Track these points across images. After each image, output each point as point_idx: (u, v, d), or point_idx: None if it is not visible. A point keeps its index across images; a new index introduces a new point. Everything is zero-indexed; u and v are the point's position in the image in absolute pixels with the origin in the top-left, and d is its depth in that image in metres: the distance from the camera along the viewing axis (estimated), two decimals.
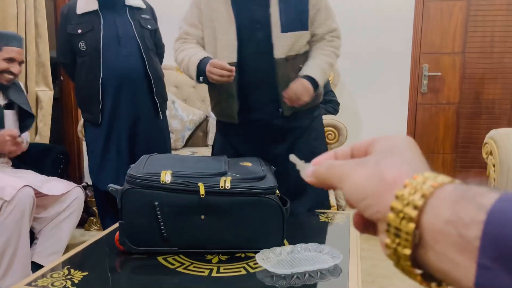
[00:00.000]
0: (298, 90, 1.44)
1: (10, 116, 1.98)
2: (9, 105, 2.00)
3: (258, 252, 1.11)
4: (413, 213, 0.27)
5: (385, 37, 2.97)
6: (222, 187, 1.14)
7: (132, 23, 2.06)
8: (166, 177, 1.15)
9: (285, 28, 1.46)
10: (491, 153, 1.94)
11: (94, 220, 2.71)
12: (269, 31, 1.46)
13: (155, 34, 2.18)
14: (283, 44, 1.46)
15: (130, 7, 2.08)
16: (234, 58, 1.47)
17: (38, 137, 2.82)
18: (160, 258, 1.14)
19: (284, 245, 1.18)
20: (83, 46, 2.01)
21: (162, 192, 1.14)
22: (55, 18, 3.32)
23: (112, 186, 1.16)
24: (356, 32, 2.94)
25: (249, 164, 1.31)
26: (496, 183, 1.87)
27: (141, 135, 2.09)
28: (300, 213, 1.51)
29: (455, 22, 2.97)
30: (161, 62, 2.26)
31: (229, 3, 1.48)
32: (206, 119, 3.06)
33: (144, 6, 2.13)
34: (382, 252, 0.30)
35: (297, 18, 1.48)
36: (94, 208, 2.69)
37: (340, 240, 1.26)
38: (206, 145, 3.00)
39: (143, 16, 2.11)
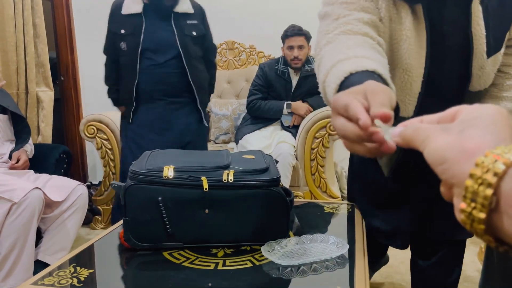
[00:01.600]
0: None
1: (3, 121, 1.99)
2: (1, 111, 2.01)
3: (264, 244, 1.11)
4: (493, 180, 0.29)
5: None
6: (225, 180, 1.14)
7: (175, 30, 2.02)
8: (169, 171, 1.14)
9: (494, 50, 1.04)
10: None
11: (100, 218, 2.71)
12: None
13: (203, 39, 2.14)
14: (489, 70, 1.07)
15: (177, 13, 2.04)
16: (418, 89, 1.03)
17: (40, 138, 2.83)
18: (165, 254, 1.14)
19: (289, 236, 1.17)
20: (124, 47, 2.03)
21: (165, 187, 1.14)
22: (52, 18, 3.31)
23: (115, 183, 1.16)
24: None
25: (251, 156, 1.30)
26: None
27: (185, 142, 2.07)
28: (305, 204, 1.50)
29: None
30: (211, 66, 2.22)
31: (421, 21, 1.00)
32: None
33: (191, 11, 2.08)
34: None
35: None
36: (99, 207, 2.69)
37: (345, 231, 1.25)
38: (209, 140, 3.00)
39: (189, 22, 2.07)
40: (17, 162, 1.90)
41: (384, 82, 0.70)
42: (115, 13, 2.05)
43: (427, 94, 1.04)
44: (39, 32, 2.80)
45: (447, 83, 1.08)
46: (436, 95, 1.05)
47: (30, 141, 2.10)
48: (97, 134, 2.58)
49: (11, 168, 1.89)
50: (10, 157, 1.93)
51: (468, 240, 2.31)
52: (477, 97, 1.12)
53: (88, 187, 2.17)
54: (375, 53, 0.83)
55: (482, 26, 1.00)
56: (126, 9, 2.02)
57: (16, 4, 2.62)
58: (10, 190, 1.59)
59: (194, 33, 2.08)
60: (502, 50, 1.05)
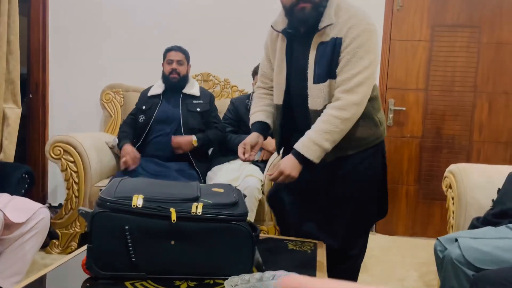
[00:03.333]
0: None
1: None
2: None
3: (227, 278, 1.12)
4: None
5: None
6: (193, 212, 1.16)
7: (181, 107, 2.57)
8: (138, 200, 1.15)
9: (316, 79, 1.45)
10: (450, 186, 2.04)
11: (57, 243, 2.62)
12: (305, 81, 1.49)
13: (208, 115, 2.64)
14: (317, 95, 1.45)
15: (185, 94, 2.61)
16: (281, 101, 1.58)
17: (2, 155, 2.73)
18: (127, 283, 1.13)
19: (253, 272, 1.19)
20: (141, 119, 2.60)
21: (133, 216, 1.14)
22: (27, 34, 3.28)
23: (82, 209, 1.15)
24: None
25: (221, 190, 1.33)
26: (454, 215, 1.96)
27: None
28: (269, 240, 1.53)
29: (418, 61, 3.15)
30: (214, 135, 2.62)
31: (284, 47, 1.54)
32: None
33: (197, 94, 2.64)
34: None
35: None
36: (58, 231, 2.61)
37: (308, 268, 1.28)
38: None
39: (194, 101, 2.61)
40: None
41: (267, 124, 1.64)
42: (143, 95, 2.70)
43: (284, 103, 1.58)
44: (12, 48, 2.76)
45: (297, 99, 1.54)
46: (292, 103, 1.57)
47: None
48: (63, 156, 2.53)
49: None
50: None
51: (421, 283, 2.39)
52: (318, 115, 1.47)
53: (48, 209, 2.12)
54: (266, 106, 1.66)
55: (312, 61, 1.44)
56: (151, 92, 2.65)
57: None
58: None
59: (198, 109, 2.60)
60: (327, 83, 1.44)
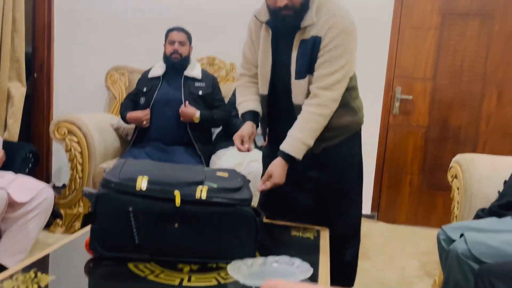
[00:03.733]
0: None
1: None
2: None
3: (230, 262, 1.12)
4: None
5: (361, 58, 3.05)
6: (198, 196, 1.15)
7: (182, 90, 2.52)
8: (143, 183, 1.14)
9: (298, 75, 1.49)
10: (456, 177, 2.02)
11: (60, 222, 2.64)
12: (289, 76, 1.51)
13: (211, 97, 2.59)
14: (299, 90, 1.50)
15: (186, 76, 2.56)
16: (266, 91, 1.59)
17: (6, 134, 2.74)
18: (130, 265, 1.13)
19: (256, 256, 1.19)
20: (142, 101, 2.56)
21: (137, 198, 1.14)
22: (32, 13, 3.25)
23: (87, 190, 1.15)
24: None
25: (225, 174, 1.32)
26: (459, 205, 1.95)
27: None
28: (272, 225, 1.53)
29: (428, 49, 3.10)
30: (219, 115, 2.58)
31: (268, 38, 1.54)
32: None
33: (199, 77, 2.59)
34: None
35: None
36: (62, 210, 2.62)
37: (311, 255, 1.28)
38: None
39: (196, 84, 2.56)
40: None
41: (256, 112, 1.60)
42: (143, 76, 2.65)
43: (270, 93, 1.59)
44: (17, 26, 2.74)
45: (282, 91, 1.56)
46: (277, 94, 1.58)
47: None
48: (68, 136, 2.52)
49: None
50: None
51: (422, 272, 2.39)
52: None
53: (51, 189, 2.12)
54: (253, 95, 1.64)
55: (294, 58, 1.48)
56: (151, 73, 2.60)
57: None
58: None
59: (200, 92, 2.55)
60: (306, 78, 1.48)
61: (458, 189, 1.98)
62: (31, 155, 2.21)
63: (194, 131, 2.50)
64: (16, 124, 2.78)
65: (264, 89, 1.60)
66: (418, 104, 3.16)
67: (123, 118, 2.60)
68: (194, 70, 2.60)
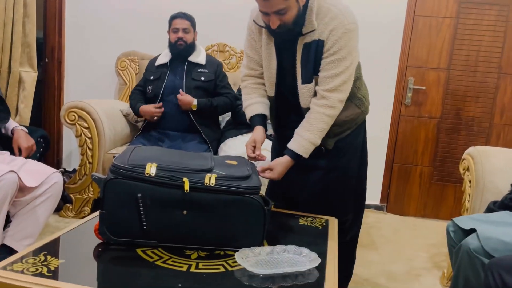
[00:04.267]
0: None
1: None
2: None
3: (238, 250, 1.12)
4: None
5: (374, 48, 3.01)
6: (206, 183, 1.15)
7: (185, 76, 2.51)
8: (151, 169, 1.14)
9: (304, 80, 1.49)
10: (468, 169, 1.99)
11: (70, 207, 2.66)
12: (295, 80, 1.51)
13: (215, 84, 2.57)
14: (307, 94, 1.50)
15: (190, 62, 2.54)
16: (273, 93, 1.59)
17: (18, 118, 2.76)
18: (139, 250, 1.13)
19: (263, 245, 1.19)
20: (149, 90, 2.56)
21: (146, 184, 1.14)
22: (44, 0, 3.25)
23: (96, 175, 1.15)
24: None
25: (234, 162, 1.31)
26: (470, 198, 1.92)
27: None
28: (281, 214, 1.52)
29: (442, 39, 3.04)
30: (220, 102, 2.54)
31: (271, 42, 1.51)
32: None
33: (203, 63, 2.56)
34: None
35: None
36: (72, 195, 2.65)
37: (319, 244, 1.28)
38: None
39: (199, 70, 2.54)
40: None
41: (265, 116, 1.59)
42: (150, 64, 2.64)
43: (277, 95, 1.60)
44: (29, 11, 2.74)
45: (289, 94, 1.56)
46: (284, 96, 1.58)
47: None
48: (78, 122, 2.53)
49: (28, 153, 1.90)
50: None
51: (430, 264, 2.37)
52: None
53: (62, 174, 2.13)
54: (260, 97, 1.61)
55: (299, 63, 1.48)
56: (158, 61, 2.59)
57: None
58: None
59: (203, 78, 2.53)
60: (313, 82, 1.48)
61: (470, 181, 1.96)
62: (42, 139, 2.22)
63: (197, 118, 2.48)
64: (27, 109, 2.80)
65: (271, 92, 1.59)
66: (431, 94, 3.11)
67: (135, 111, 2.59)
68: (199, 57, 2.57)
